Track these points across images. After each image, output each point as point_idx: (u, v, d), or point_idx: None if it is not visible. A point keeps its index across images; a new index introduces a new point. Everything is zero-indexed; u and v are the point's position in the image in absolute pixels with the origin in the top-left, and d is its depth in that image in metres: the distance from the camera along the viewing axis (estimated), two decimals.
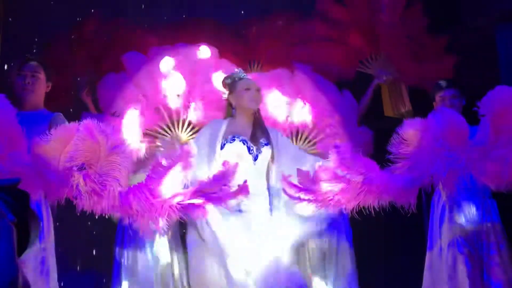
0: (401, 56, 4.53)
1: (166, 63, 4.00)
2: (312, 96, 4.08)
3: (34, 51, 4.82)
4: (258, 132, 3.41)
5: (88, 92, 4.40)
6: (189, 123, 4.04)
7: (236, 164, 3.04)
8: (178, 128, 4.03)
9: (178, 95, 3.97)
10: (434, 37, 4.62)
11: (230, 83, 3.54)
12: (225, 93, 3.58)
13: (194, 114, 4.01)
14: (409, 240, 4.44)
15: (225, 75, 3.67)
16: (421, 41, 4.60)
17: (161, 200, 2.81)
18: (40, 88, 3.47)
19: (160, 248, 4.05)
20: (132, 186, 2.82)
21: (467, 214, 3.75)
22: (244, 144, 3.35)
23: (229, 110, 3.54)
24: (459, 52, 4.53)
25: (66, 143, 2.66)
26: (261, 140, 3.38)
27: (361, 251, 4.27)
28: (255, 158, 3.34)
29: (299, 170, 3.08)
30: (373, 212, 2.90)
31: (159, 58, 4.03)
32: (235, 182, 2.99)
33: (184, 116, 4.02)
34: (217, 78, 3.95)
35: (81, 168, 2.65)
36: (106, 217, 3.04)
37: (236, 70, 3.63)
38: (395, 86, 4.64)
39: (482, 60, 4.75)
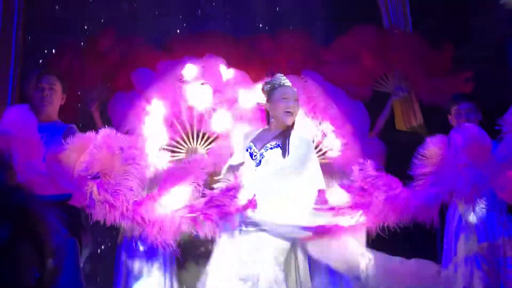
0: (414, 72, 4.55)
1: (190, 70, 3.99)
2: (324, 105, 4.04)
3: (40, 61, 4.80)
4: (278, 138, 3.25)
5: (97, 106, 4.39)
6: (203, 135, 4.02)
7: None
8: (193, 140, 4.01)
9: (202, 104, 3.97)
10: (440, 51, 4.64)
11: (269, 90, 3.36)
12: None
13: (208, 125, 4.00)
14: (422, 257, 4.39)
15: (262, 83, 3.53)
16: (430, 57, 4.62)
17: (172, 211, 2.77)
18: (56, 100, 3.54)
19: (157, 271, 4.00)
20: (144, 196, 2.79)
21: (484, 230, 3.70)
22: (247, 150, 3.25)
23: (268, 119, 3.38)
24: (471, 67, 4.52)
25: (80, 152, 2.66)
26: (267, 144, 3.23)
27: None
28: (258, 164, 3.20)
29: (319, 191, 3.03)
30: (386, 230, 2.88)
31: (167, 73, 4.04)
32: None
33: (199, 128, 4.01)
34: (228, 88, 3.97)
35: (95, 177, 2.64)
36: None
37: (277, 75, 3.42)
38: (406, 99, 4.64)
39: (494, 75, 4.74)
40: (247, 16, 5.44)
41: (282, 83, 3.34)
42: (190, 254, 4.80)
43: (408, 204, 2.78)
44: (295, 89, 3.38)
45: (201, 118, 4.03)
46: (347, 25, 4.91)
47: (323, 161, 3.97)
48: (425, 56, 4.61)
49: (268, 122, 3.37)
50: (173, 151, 4.00)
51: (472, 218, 3.69)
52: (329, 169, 3.86)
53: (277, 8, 5.61)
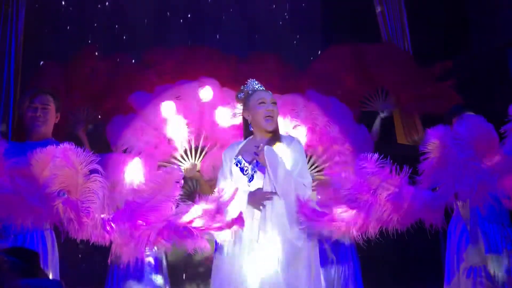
0: (395, 87, 4.54)
1: (167, 107, 3.95)
2: (324, 123, 3.98)
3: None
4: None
5: (84, 129, 4.35)
6: (202, 150, 3.98)
7: (235, 192, 2.86)
8: (191, 156, 3.97)
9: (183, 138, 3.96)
10: (424, 67, 4.65)
11: (243, 98, 3.24)
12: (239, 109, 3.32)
13: (205, 141, 3.99)
14: (425, 271, 4.31)
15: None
16: (411, 71, 4.61)
17: (146, 227, 2.64)
18: (50, 119, 3.49)
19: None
20: (114, 213, 2.66)
21: (487, 243, 3.59)
22: (237, 165, 3.09)
23: (246, 129, 3.24)
24: (472, 76, 4.50)
25: (44, 167, 2.55)
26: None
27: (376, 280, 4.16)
28: (250, 179, 3.05)
29: (320, 188, 2.93)
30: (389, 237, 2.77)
31: (164, 94, 4.03)
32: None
33: (197, 144, 3.97)
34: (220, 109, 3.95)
35: (60, 194, 2.54)
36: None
37: (249, 81, 3.30)
38: (407, 113, 4.61)
39: (494, 83, 4.72)
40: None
41: (256, 88, 3.23)
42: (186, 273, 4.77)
43: (412, 204, 2.62)
44: (270, 92, 3.25)
45: (199, 134, 4.01)
46: (346, 38, 4.90)
47: (319, 177, 3.90)
48: (404, 67, 4.60)
49: (247, 133, 3.24)
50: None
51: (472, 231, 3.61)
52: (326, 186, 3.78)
53: (280, 22, 5.63)
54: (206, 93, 4.02)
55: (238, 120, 3.83)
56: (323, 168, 3.97)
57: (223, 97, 4.05)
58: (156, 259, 3.98)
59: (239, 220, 2.80)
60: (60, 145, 2.61)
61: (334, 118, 4.03)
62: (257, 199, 2.99)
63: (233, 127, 3.94)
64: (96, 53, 4.57)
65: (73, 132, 4.32)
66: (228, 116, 3.92)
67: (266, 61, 4.75)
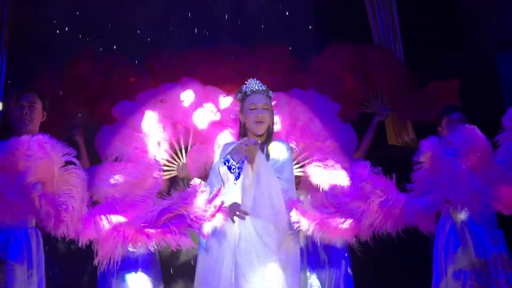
0: (391, 90, 4.60)
1: (149, 119, 3.98)
2: (305, 120, 3.98)
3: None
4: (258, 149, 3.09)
5: (82, 133, 4.35)
6: None
7: (219, 189, 2.87)
8: (182, 157, 3.99)
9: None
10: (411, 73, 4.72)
11: (240, 99, 3.29)
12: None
13: (194, 140, 4.00)
14: (416, 273, 4.34)
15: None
16: (405, 78, 4.67)
17: (125, 224, 2.62)
18: (36, 117, 3.53)
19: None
20: (93, 208, 2.63)
21: (474, 245, 3.62)
22: (225, 164, 3.16)
23: (241, 129, 3.30)
24: (462, 79, 4.53)
25: (19, 158, 2.52)
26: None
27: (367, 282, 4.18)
28: (237, 177, 3.11)
29: (313, 192, 2.97)
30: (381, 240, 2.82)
31: (148, 101, 4.06)
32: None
33: (186, 144, 4.00)
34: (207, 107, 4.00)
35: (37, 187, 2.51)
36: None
37: (248, 81, 3.33)
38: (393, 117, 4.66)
39: (485, 86, 4.76)
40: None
41: (254, 89, 3.27)
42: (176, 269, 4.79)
43: (404, 211, 2.68)
44: (269, 92, 3.31)
45: (187, 134, 4.03)
46: (338, 41, 4.93)
47: (298, 173, 3.89)
48: (400, 72, 4.66)
49: (242, 132, 3.30)
50: (164, 170, 3.96)
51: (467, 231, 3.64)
52: (306, 183, 3.81)
53: (263, 25, 5.66)
54: (187, 95, 4.05)
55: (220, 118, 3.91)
56: (303, 165, 3.94)
57: (206, 96, 4.09)
58: (149, 254, 4.00)
59: (222, 210, 2.79)
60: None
61: (317, 113, 4.04)
62: (231, 213, 3.02)
63: (217, 125, 3.97)
64: (93, 57, 4.57)
65: (70, 137, 4.30)
66: (207, 115, 3.97)
67: (270, 53, 4.70)
